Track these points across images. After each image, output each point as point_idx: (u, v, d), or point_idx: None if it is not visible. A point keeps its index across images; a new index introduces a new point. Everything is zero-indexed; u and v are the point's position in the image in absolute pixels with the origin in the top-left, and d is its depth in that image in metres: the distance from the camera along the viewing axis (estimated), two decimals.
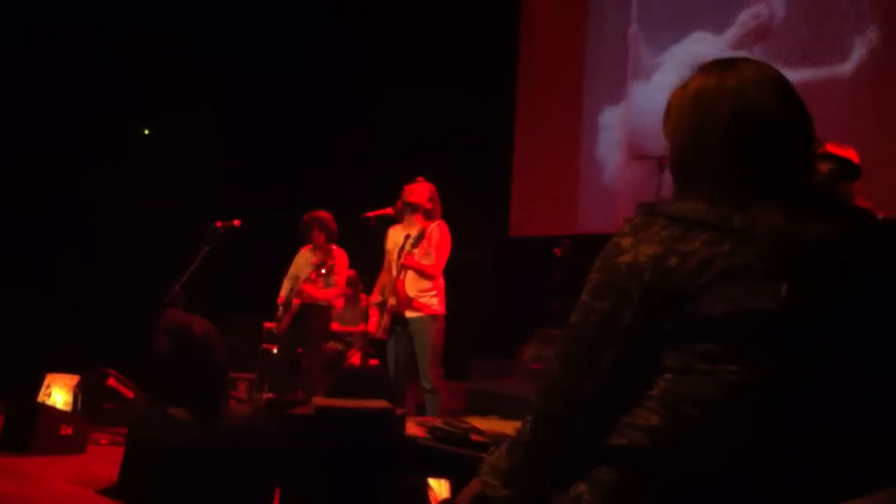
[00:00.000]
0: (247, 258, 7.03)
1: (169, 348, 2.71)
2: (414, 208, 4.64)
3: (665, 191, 4.15)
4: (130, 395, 5.04)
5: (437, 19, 7.21)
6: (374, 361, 5.41)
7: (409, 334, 4.57)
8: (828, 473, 1.12)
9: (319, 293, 5.61)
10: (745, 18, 5.95)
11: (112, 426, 4.64)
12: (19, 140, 6.91)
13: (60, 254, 6.97)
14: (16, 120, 6.90)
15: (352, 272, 6.19)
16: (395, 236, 4.74)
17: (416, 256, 4.51)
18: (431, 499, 2.34)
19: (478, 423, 2.00)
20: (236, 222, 5.43)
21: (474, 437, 1.92)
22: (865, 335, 1.13)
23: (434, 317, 4.57)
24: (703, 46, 6.06)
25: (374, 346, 5.14)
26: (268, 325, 5.91)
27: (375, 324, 4.74)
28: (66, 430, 4.32)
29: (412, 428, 2.04)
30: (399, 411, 2.06)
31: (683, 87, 1.26)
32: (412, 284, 4.55)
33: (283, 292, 5.77)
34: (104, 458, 4.02)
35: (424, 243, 4.50)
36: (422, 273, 4.55)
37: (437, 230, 4.60)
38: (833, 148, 2.74)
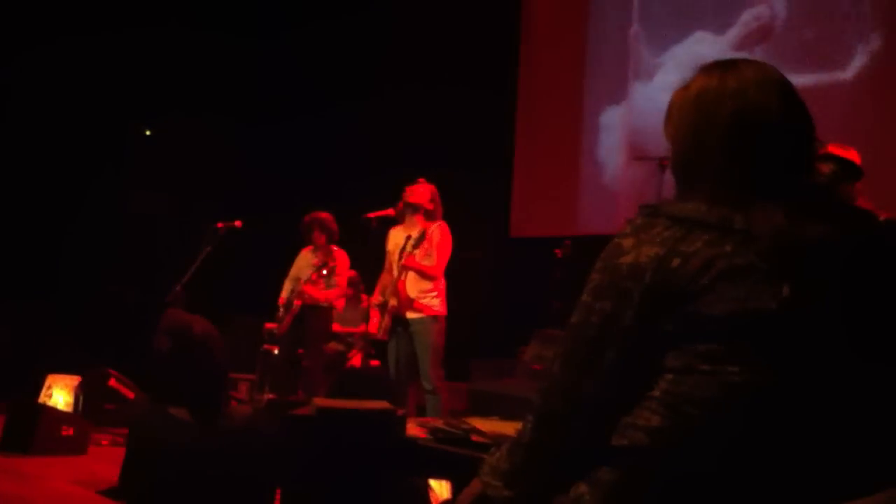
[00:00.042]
0: (247, 259, 7.03)
1: (169, 348, 2.71)
2: (415, 209, 4.64)
3: (666, 191, 4.15)
4: (131, 395, 5.05)
5: (438, 19, 7.21)
6: (374, 362, 5.41)
7: (410, 335, 4.57)
8: (828, 474, 1.12)
9: (320, 294, 5.61)
10: (746, 19, 5.95)
11: (113, 427, 4.65)
12: (19, 140, 6.92)
13: (61, 254, 6.97)
14: (16, 120, 6.91)
15: (353, 273, 6.19)
16: (396, 237, 4.74)
17: (417, 257, 4.51)
18: (432, 499, 2.34)
19: (479, 423, 2.00)
20: (237, 223, 5.43)
21: (475, 437, 1.92)
22: (865, 335, 1.13)
23: (435, 317, 4.57)
24: (705, 47, 6.06)
25: (374, 346, 5.14)
26: (269, 325, 5.91)
27: (376, 325, 4.74)
28: (67, 431, 4.32)
29: (413, 429, 2.04)
30: (400, 412, 2.06)
31: (685, 87, 1.26)
32: (413, 285, 4.55)
33: (285, 293, 5.77)
34: (105, 459, 4.02)
35: (425, 244, 4.50)
36: (423, 274, 4.55)
37: (438, 231, 4.60)
38: (835, 149, 2.74)
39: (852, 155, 2.78)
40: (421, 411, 4.51)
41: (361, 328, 6.27)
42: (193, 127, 7.51)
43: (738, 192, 1.15)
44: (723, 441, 1.10)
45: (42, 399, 4.88)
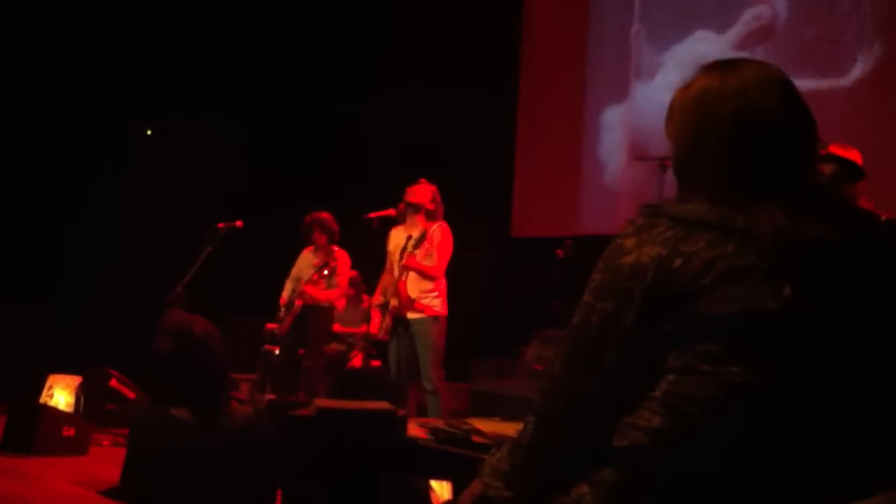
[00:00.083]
0: (247, 259, 7.03)
1: (170, 349, 2.70)
2: (416, 209, 4.64)
3: (667, 191, 4.15)
4: (132, 395, 5.05)
5: (438, 19, 7.21)
6: (375, 363, 5.41)
7: (411, 335, 4.57)
8: (828, 474, 1.12)
9: (321, 294, 5.61)
10: (747, 18, 5.94)
11: (114, 427, 4.65)
12: (19, 140, 6.92)
13: (61, 254, 6.97)
14: (16, 120, 6.91)
15: (354, 273, 6.19)
16: (397, 237, 4.74)
17: (418, 257, 4.51)
18: (433, 500, 2.34)
19: (479, 424, 2.00)
20: (238, 223, 5.43)
21: (476, 438, 1.92)
22: (865, 336, 1.13)
23: (436, 318, 4.57)
24: (706, 46, 6.05)
25: (375, 347, 5.14)
26: (269, 326, 5.91)
27: (377, 325, 4.74)
28: (68, 431, 4.32)
29: (414, 429, 2.04)
30: (401, 412, 2.06)
31: (686, 87, 1.26)
32: (414, 285, 4.55)
33: (286, 293, 5.77)
34: (106, 459, 4.02)
35: (426, 244, 4.50)
36: (423, 274, 4.55)
37: (439, 231, 4.60)
38: (836, 149, 2.73)
39: (854, 155, 2.78)
40: (422, 412, 4.51)
41: (362, 328, 6.27)
42: (193, 127, 7.51)
43: (739, 192, 1.15)
44: (723, 441, 1.10)
45: (43, 399, 4.89)
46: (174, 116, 7.64)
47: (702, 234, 1.12)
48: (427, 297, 4.57)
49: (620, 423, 1.15)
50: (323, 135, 8.02)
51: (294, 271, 5.79)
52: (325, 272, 5.51)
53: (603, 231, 5.44)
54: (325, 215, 5.68)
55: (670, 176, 1.29)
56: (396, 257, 4.63)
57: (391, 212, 4.83)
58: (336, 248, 5.67)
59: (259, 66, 8.23)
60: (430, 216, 4.63)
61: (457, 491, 1.90)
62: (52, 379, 5.02)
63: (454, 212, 4.78)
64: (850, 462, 1.13)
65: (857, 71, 5.42)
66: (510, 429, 1.80)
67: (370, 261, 5.16)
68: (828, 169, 2.59)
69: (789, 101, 1.20)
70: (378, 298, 4.77)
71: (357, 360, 5.99)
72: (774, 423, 1.10)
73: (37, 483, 3.65)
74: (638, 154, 5.82)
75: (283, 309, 5.73)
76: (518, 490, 1.24)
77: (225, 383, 3.47)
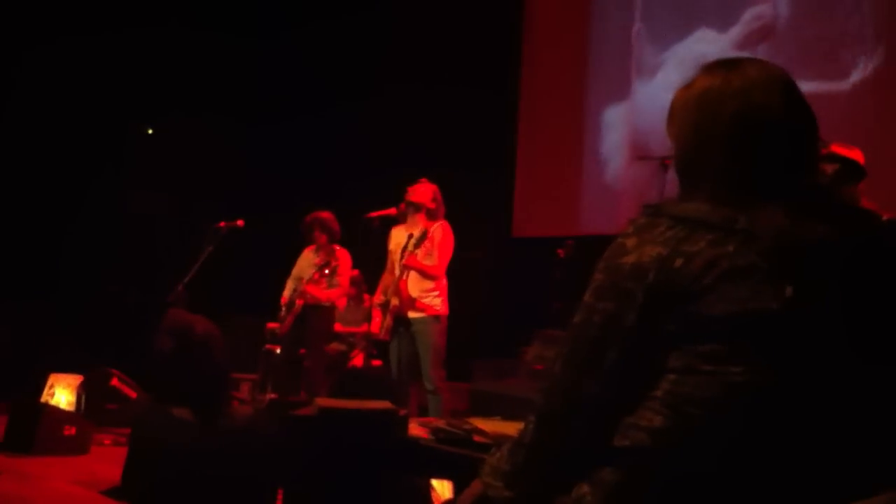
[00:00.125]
0: (248, 259, 7.03)
1: (171, 348, 2.70)
2: (417, 208, 4.64)
3: (669, 191, 4.14)
4: (134, 395, 5.04)
5: (439, 18, 7.21)
6: (376, 362, 5.41)
7: (412, 335, 4.57)
8: (829, 475, 1.12)
9: (322, 294, 5.61)
10: (748, 17, 5.94)
11: (115, 427, 4.64)
12: (20, 140, 6.92)
13: (61, 254, 6.98)
14: (16, 120, 6.91)
15: (356, 272, 6.19)
16: (398, 237, 4.74)
17: (419, 257, 4.51)
18: (434, 500, 2.34)
19: (480, 423, 2.00)
20: (240, 222, 5.43)
21: (477, 437, 1.92)
22: (865, 336, 1.13)
23: (437, 317, 4.57)
24: (707, 45, 6.05)
25: (376, 346, 5.14)
26: (270, 325, 5.91)
27: (378, 324, 4.74)
28: (70, 431, 4.32)
29: (415, 429, 2.04)
30: (402, 412, 2.06)
31: (687, 86, 1.26)
32: (415, 285, 4.55)
33: (287, 293, 5.77)
34: (107, 459, 4.02)
35: (427, 243, 4.50)
36: (424, 273, 4.55)
37: (440, 230, 4.59)
38: (838, 148, 2.73)
39: (856, 154, 2.77)
40: (423, 411, 4.51)
41: (363, 328, 6.27)
42: (193, 127, 7.51)
43: (740, 191, 1.15)
44: (724, 441, 1.10)
45: (44, 398, 4.88)
46: (174, 116, 7.64)
47: (703, 233, 1.12)
48: (428, 296, 4.57)
49: (621, 423, 1.15)
50: (323, 135, 8.03)
51: (295, 271, 5.79)
52: (327, 271, 5.51)
53: (604, 231, 5.44)
54: (325, 214, 5.67)
55: (672, 175, 1.29)
56: (397, 256, 4.63)
57: (392, 211, 4.82)
58: (337, 248, 5.67)
59: (259, 66, 8.23)
60: (431, 215, 4.63)
61: (458, 490, 1.90)
62: (54, 378, 5.01)
63: (454, 212, 4.78)
64: (850, 462, 1.13)
65: (858, 70, 5.42)
66: (511, 428, 1.80)
67: (371, 260, 5.16)
68: (830, 168, 2.59)
69: (791, 100, 1.20)
70: (379, 298, 4.77)
71: (358, 360, 5.99)
72: (775, 423, 1.10)
73: (38, 483, 3.65)
74: (639, 153, 5.82)
75: (284, 308, 5.72)
76: (518, 490, 1.24)
77: (226, 383, 3.48)
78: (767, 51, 5.67)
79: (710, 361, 1.10)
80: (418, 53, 7.23)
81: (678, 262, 1.11)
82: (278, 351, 5.81)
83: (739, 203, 1.13)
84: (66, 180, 7.10)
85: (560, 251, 5.55)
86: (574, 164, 6.98)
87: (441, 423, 2.06)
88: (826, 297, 1.11)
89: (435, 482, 2.38)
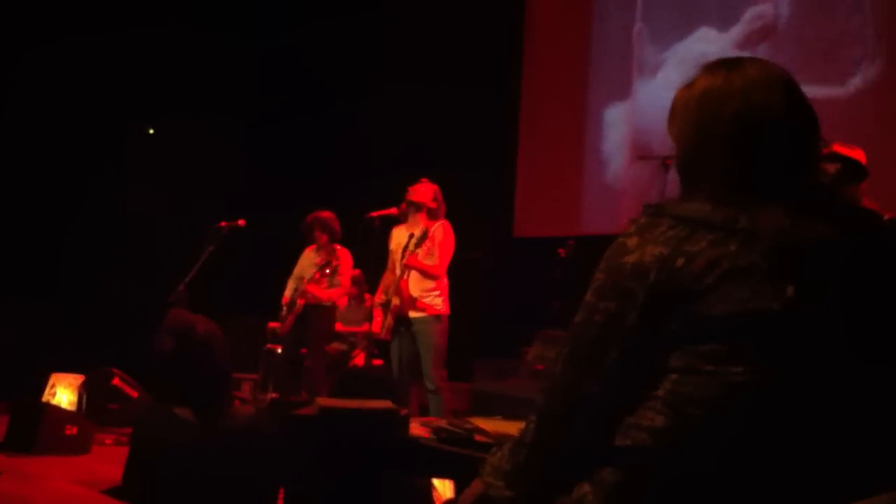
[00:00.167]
0: (248, 259, 7.03)
1: (172, 348, 2.71)
2: (418, 207, 4.64)
3: (670, 191, 4.14)
4: (135, 395, 5.04)
5: (438, 19, 7.21)
6: (377, 362, 5.40)
7: (413, 335, 4.57)
8: (829, 475, 1.12)
9: (323, 293, 5.60)
10: (749, 17, 5.94)
11: (116, 426, 4.64)
12: (20, 140, 6.92)
13: (61, 254, 6.98)
14: (16, 120, 6.91)
15: (357, 272, 6.18)
16: (399, 236, 4.74)
17: (420, 256, 4.51)
18: (435, 499, 2.34)
19: (481, 423, 2.00)
20: (241, 222, 5.43)
21: (478, 437, 1.92)
22: (866, 336, 1.13)
23: (437, 317, 4.57)
24: (708, 44, 6.05)
25: (377, 346, 5.14)
26: (272, 325, 5.91)
27: (379, 324, 4.74)
28: (71, 430, 4.32)
29: (416, 428, 2.04)
30: (402, 412, 2.06)
31: (689, 86, 1.26)
32: (415, 284, 4.55)
33: (288, 292, 5.76)
34: (108, 459, 4.02)
35: (428, 243, 4.50)
36: (425, 273, 4.55)
37: (441, 230, 4.59)
38: (840, 148, 2.72)
39: (858, 154, 2.77)
40: (424, 411, 4.50)
41: (364, 328, 6.27)
42: (193, 127, 7.52)
43: (742, 191, 1.15)
44: (726, 441, 1.10)
45: (46, 398, 4.88)
46: (174, 116, 7.64)
47: (704, 233, 1.12)
48: (429, 295, 4.57)
49: (622, 422, 1.15)
50: (323, 135, 8.03)
51: (296, 270, 5.79)
52: (328, 271, 5.51)
53: (605, 231, 5.44)
54: (326, 214, 5.67)
55: (673, 175, 1.29)
56: (398, 256, 4.63)
57: (393, 211, 4.82)
58: (338, 247, 5.67)
59: (259, 66, 8.23)
60: (432, 215, 4.63)
61: (459, 490, 1.90)
62: (55, 378, 5.01)
63: (455, 212, 4.78)
64: (850, 462, 1.13)
65: (859, 70, 5.42)
66: (512, 428, 1.80)
67: (372, 260, 5.16)
68: (832, 168, 2.58)
69: (792, 100, 1.20)
70: (380, 297, 4.77)
71: (359, 360, 5.99)
72: (776, 423, 1.10)
73: (39, 482, 3.65)
74: (640, 153, 5.82)
75: (285, 308, 5.72)
76: (519, 489, 1.24)
77: (227, 383, 3.48)
78: (768, 50, 5.67)
79: (710, 361, 1.10)
80: (418, 53, 7.23)
81: (679, 262, 1.11)
82: (279, 350, 5.81)
83: (740, 203, 1.13)
84: (66, 180, 7.10)
85: (561, 251, 5.55)
86: (575, 163, 6.98)
87: (442, 423, 2.06)
88: (826, 297, 1.11)
89: (436, 482, 2.38)
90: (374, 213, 4.94)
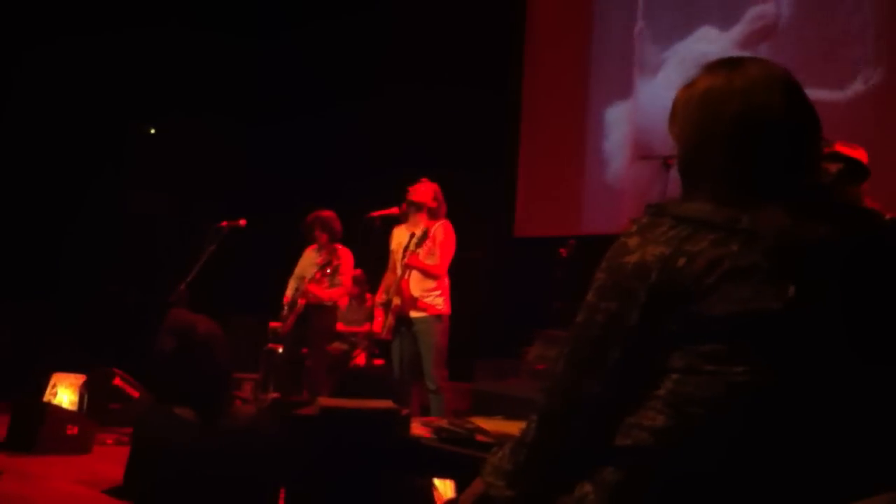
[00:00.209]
0: (248, 259, 7.03)
1: (173, 348, 2.71)
2: (418, 207, 4.64)
3: (671, 190, 4.14)
4: (136, 394, 5.05)
5: (438, 19, 7.21)
6: (378, 362, 5.41)
7: (414, 334, 4.57)
8: (830, 475, 1.12)
9: (324, 293, 5.60)
10: (750, 16, 5.94)
11: (118, 426, 4.65)
12: (20, 140, 6.92)
13: (61, 254, 6.98)
14: (16, 120, 6.91)
15: (358, 271, 6.18)
16: (400, 236, 4.74)
17: (421, 256, 4.52)
18: (436, 499, 2.34)
19: (482, 423, 2.00)
20: (242, 222, 5.43)
21: (479, 437, 1.92)
22: (866, 336, 1.13)
23: (438, 317, 4.57)
24: (709, 44, 6.05)
25: (378, 346, 5.14)
26: (272, 324, 5.91)
27: (380, 324, 4.74)
28: (72, 430, 4.32)
29: (417, 428, 2.04)
30: (403, 412, 2.06)
31: (690, 85, 1.26)
32: (416, 284, 4.55)
33: (289, 292, 5.76)
34: (109, 459, 4.02)
35: (428, 243, 4.51)
36: (426, 273, 4.55)
37: (442, 229, 4.60)
38: (842, 148, 2.71)
39: (860, 154, 2.76)
40: (425, 411, 4.51)
41: (365, 328, 6.27)
42: (193, 127, 7.52)
43: (743, 191, 1.15)
44: (726, 441, 1.10)
45: (47, 398, 4.88)
46: (174, 116, 7.64)
47: (706, 233, 1.12)
48: (430, 295, 4.57)
49: (623, 422, 1.15)
50: (323, 135, 8.02)
51: (297, 270, 5.79)
52: (328, 271, 5.50)
53: (606, 230, 5.44)
54: (326, 213, 5.67)
55: (674, 175, 1.29)
56: (399, 256, 4.63)
57: (394, 210, 4.83)
58: (339, 247, 5.67)
59: (259, 66, 8.23)
60: (433, 214, 4.63)
61: (460, 490, 1.90)
62: (56, 377, 5.01)
63: (455, 212, 4.79)
64: (850, 462, 1.13)
65: (860, 70, 5.42)
66: (513, 428, 1.80)
67: (373, 260, 5.16)
68: (833, 168, 2.58)
69: (792, 100, 1.20)
70: (381, 297, 4.77)
71: (360, 359, 5.99)
72: (776, 423, 1.10)
73: (40, 482, 3.66)
74: (641, 153, 5.81)
75: (286, 308, 5.72)
76: (520, 489, 1.24)
77: (228, 383, 3.48)
78: (769, 50, 5.67)
79: (711, 361, 1.10)
80: (418, 53, 7.23)
81: (681, 262, 1.11)
82: (280, 350, 5.81)
83: (741, 203, 1.13)
84: (67, 180, 7.10)
85: (562, 251, 5.55)
86: (576, 163, 6.97)
87: (443, 423, 2.06)
88: (827, 297, 1.11)
89: (437, 482, 2.38)
90: (375, 213, 4.94)
